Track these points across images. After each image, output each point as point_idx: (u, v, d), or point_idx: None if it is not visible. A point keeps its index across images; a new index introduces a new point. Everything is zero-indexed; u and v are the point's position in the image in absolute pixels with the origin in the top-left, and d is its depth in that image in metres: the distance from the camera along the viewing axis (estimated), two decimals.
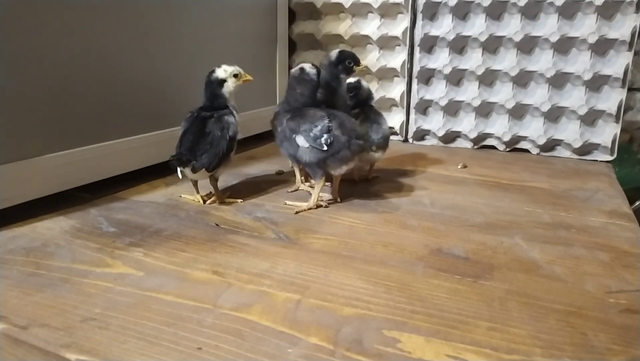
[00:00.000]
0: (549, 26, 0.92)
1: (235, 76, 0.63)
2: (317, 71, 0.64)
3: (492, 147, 1.02)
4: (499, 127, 1.00)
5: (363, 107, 0.72)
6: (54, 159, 0.57)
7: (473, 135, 1.01)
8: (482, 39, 0.96)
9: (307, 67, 0.64)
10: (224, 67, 0.63)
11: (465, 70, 0.99)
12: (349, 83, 0.72)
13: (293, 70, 0.66)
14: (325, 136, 0.58)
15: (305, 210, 0.61)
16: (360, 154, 0.62)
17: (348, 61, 0.65)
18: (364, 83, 0.74)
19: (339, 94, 0.67)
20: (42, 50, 0.55)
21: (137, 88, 0.69)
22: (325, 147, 0.58)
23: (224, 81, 0.62)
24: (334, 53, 0.67)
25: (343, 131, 0.59)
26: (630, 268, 0.46)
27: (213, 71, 0.63)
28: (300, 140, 0.60)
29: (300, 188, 0.70)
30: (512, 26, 0.94)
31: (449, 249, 0.50)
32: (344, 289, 0.41)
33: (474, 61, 0.99)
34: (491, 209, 0.63)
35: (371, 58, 1.07)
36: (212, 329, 0.35)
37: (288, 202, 0.64)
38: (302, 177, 0.71)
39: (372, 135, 0.69)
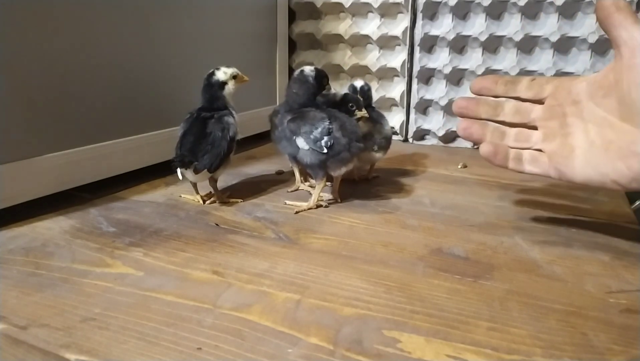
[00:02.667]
0: (549, 26, 0.92)
1: (235, 77, 0.63)
2: (316, 73, 0.64)
3: None
4: None
5: (366, 108, 0.72)
6: (53, 159, 0.57)
7: None
8: (482, 38, 0.96)
9: (307, 69, 0.64)
10: (223, 69, 0.63)
11: (465, 70, 0.99)
12: (362, 87, 0.73)
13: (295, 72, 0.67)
14: (325, 138, 0.58)
15: (305, 210, 0.61)
16: (360, 154, 0.62)
17: (351, 105, 0.66)
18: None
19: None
20: (42, 50, 0.55)
21: (136, 88, 0.69)
22: (325, 150, 0.58)
23: (224, 83, 0.62)
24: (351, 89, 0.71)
25: (344, 132, 0.59)
26: (631, 268, 0.46)
27: (212, 73, 0.62)
28: (301, 142, 0.60)
29: (300, 188, 0.70)
30: (512, 26, 0.94)
31: (449, 249, 0.50)
32: (344, 289, 0.41)
33: (474, 60, 0.99)
34: (491, 209, 0.63)
35: (371, 58, 1.07)
36: (212, 329, 0.35)
37: (288, 202, 0.64)
38: (302, 177, 0.71)
39: (374, 135, 0.69)
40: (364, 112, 0.65)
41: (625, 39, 0.42)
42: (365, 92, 0.73)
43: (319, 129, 0.58)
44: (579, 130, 0.46)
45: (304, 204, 0.62)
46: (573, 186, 0.49)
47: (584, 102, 0.46)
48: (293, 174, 0.73)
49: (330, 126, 0.58)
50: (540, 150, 0.49)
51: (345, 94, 0.67)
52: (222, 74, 0.62)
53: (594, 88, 0.46)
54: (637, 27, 0.41)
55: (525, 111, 0.50)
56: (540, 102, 0.50)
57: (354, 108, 0.65)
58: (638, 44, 0.40)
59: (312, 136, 0.59)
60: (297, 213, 0.60)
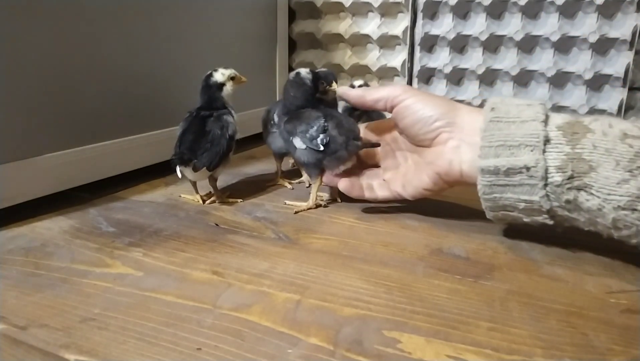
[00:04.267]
0: (549, 25, 0.92)
1: (233, 78, 0.63)
2: (312, 76, 0.63)
3: None
4: None
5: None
6: (53, 158, 0.57)
7: None
8: (483, 38, 0.96)
9: (303, 72, 0.64)
10: (221, 70, 0.63)
11: (465, 69, 0.99)
12: (359, 87, 0.73)
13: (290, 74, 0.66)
14: (321, 136, 0.58)
15: (304, 210, 0.61)
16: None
17: (321, 82, 0.65)
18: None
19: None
20: (42, 50, 0.55)
21: (136, 87, 0.69)
22: (321, 148, 0.58)
23: (222, 84, 0.62)
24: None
25: (340, 131, 0.58)
26: (631, 268, 0.46)
27: (210, 75, 0.62)
28: (298, 142, 0.60)
29: (279, 183, 0.72)
30: (513, 25, 0.94)
31: (450, 249, 0.50)
32: (344, 290, 0.41)
33: (474, 60, 0.99)
34: None
35: (371, 57, 1.07)
36: (211, 329, 0.35)
37: (288, 202, 0.64)
38: (282, 176, 0.73)
39: None
40: (334, 87, 0.65)
41: (385, 98, 0.56)
42: None
43: (315, 128, 0.58)
44: (403, 159, 0.60)
45: (303, 204, 0.62)
46: None
47: (399, 138, 0.60)
48: (296, 173, 0.73)
49: (326, 124, 0.58)
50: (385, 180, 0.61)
51: (315, 73, 0.65)
52: (219, 75, 0.62)
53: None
54: (383, 88, 0.57)
55: (371, 155, 0.64)
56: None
57: (325, 85, 0.64)
58: (392, 96, 0.55)
59: (308, 135, 0.59)
60: (296, 213, 0.60)
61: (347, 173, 0.61)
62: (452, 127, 0.51)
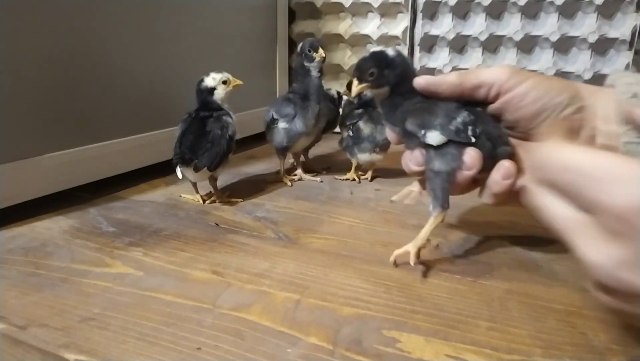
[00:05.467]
0: (549, 25, 0.92)
1: (224, 82, 0.63)
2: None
3: None
4: None
5: (367, 107, 0.72)
6: (53, 158, 0.57)
7: None
8: (482, 38, 0.96)
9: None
10: (212, 75, 0.63)
11: (465, 69, 0.99)
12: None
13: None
14: (470, 127, 0.43)
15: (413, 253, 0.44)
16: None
17: (309, 50, 0.66)
18: None
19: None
20: (43, 51, 0.55)
21: (136, 87, 0.69)
22: (473, 140, 0.42)
23: (213, 88, 0.63)
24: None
25: (488, 135, 0.43)
26: None
27: (202, 80, 0.63)
28: (434, 136, 0.43)
29: (283, 180, 0.73)
30: (513, 25, 0.94)
31: (450, 248, 0.50)
32: (344, 289, 0.41)
33: (474, 60, 0.99)
34: (491, 208, 0.62)
35: None
36: (211, 329, 0.35)
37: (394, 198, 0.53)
38: (300, 168, 0.75)
39: (376, 136, 0.69)
40: (321, 52, 0.63)
41: (489, 84, 0.43)
42: None
43: (460, 119, 0.43)
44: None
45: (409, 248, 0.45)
46: None
47: None
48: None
49: (472, 117, 0.44)
50: None
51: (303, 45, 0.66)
52: (210, 80, 0.63)
53: None
54: (482, 71, 0.45)
55: None
56: None
57: (312, 52, 0.64)
58: (498, 82, 0.43)
59: (452, 127, 0.43)
60: (395, 259, 0.46)
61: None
62: (582, 114, 0.41)
